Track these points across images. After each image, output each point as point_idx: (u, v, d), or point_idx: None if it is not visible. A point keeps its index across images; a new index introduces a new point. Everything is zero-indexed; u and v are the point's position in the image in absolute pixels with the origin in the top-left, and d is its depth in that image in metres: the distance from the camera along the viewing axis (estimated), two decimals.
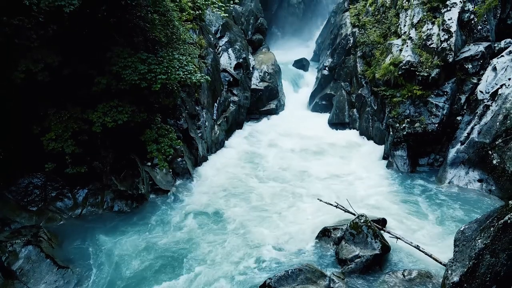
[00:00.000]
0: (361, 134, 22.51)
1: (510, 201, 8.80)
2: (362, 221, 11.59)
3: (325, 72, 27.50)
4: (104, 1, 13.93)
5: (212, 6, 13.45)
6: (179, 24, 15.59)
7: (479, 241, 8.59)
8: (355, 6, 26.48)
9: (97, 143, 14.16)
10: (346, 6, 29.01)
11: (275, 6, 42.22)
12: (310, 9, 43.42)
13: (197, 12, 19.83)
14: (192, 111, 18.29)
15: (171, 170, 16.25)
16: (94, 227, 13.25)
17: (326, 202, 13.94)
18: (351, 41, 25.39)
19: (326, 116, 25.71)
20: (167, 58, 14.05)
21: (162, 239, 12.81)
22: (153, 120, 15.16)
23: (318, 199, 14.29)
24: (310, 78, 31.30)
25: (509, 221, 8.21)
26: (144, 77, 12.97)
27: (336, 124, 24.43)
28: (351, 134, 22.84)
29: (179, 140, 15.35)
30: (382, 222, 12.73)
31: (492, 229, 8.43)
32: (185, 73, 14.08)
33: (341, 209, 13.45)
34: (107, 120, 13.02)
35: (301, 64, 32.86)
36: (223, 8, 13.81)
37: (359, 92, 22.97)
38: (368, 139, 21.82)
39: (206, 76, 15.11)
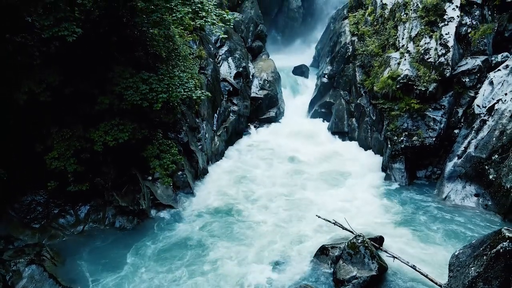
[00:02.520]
0: (360, 144, 22.68)
1: (503, 229, 9.04)
2: (359, 241, 11.80)
3: (325, 80, 27.61)
4: (106, 20, 14.14)
5: (213, 26, 13.61)
6: (180, 40, 15.77)
7: (472, 269, 8.82)
8: (354, 14, 26.49)
9: (99, 160, 14.36)
10: (345, 13, 29.01)
11: (275, 10, 42.34)
12: (310, 14, 43.53)
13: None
14: (192, 123, 18.48)
15: (171, 184, 16.40)
16: (96, 244, 13.45)
17: (324, 219, 14.13)
18: (350, 50, 25.46)
19: (325, 124, 25.87)
20: (168, 76, 14.25)
21: (155, 268, 12.60)
22: (154, 136, 15.37)
23: (316, 215, 14.45)
24: (309, 84, 31.40)
25: (501, 250, 8.46)
26: (145, 97, 13.16)
27: (335, 133, 24.61)
28: (350, 144, 23.01)
29: (180, 156, 15.55)
30: (380, 240, 12.92)
31: (485, 257, 8.66)
32: (186, 90, 14.29)
33: (339, 226, 13.65)
34: (108, 139, 13.23)
35: (300, 70, 32.97)
36: (222, 28, 13.98)
37: (358, 101, 23.15)
38: (367, 149, 21.96)
39: (207, 93, 15.32)
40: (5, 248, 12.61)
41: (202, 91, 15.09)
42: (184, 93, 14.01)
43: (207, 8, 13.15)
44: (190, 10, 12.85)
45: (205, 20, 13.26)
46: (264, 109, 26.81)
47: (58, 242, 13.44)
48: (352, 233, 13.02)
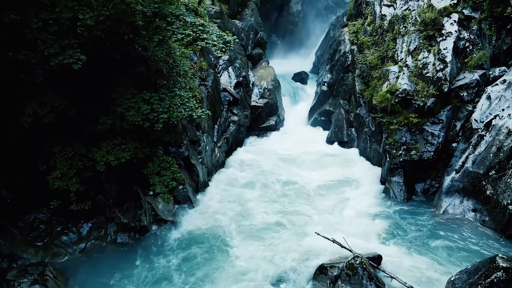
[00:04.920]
0: (359, 154, 22.87)
1: (497, 257, 9.25)
2: (357, 262, 11.99)
3: (324, 88, 27.79)
4: (108, 38, 14.29)
5: (213, 48, 13.80)
6: (180, 58, 15.94)
7: None
8: (353, 23, 26.63)
9: (101, 178, 14.55)
10: (345, 21, 29.18)
11: (275, 14, 42.55)
12: (310, 19, 43.71)
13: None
14: (193, 137, 18.66)
15: (172, 199, 16.56)
16: (98, 262, 13.61)
17: (323, 236, 14.31)
18: (350, 59, 25.62)
19: (325, 132, 26.06)
20: (169, 96, 14.40)
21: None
22: (155, 153, 15.55)
23: (315, 232, 14.64)
24: (309, 91, 31.63)
25: (495, 280, 8.68)
26: (147, 117, 13.33)
27: (334, 142, 24.81)
28: (350, 153, 23.22)
29: (180, 174, 15.74)
30: (378, 259, 13.11)
31: (479, 287, 8.88)
32: (187, 110, 14.45)
33: (337, 244, 13.84)
34: (111, 159, 13.43)
35: (300, 77, 33.19)
36: (224, 50, 14.16)
37: (357, 111, 23.34)
38: (366, 159, 22.17)
39: (207, 111, 15.49)
40: (9, 267, 12.81)
41: (203, 110, 15.25)
42: (185, 113, 14.17)
43: (207, 30, 13.32)
44: (191, 33, 13.01)
45: (206, 42, 13.43)
46: (264, 118, 26.98)
47: (61, 260, 13.60)
48: (351, 251, 13.24)
